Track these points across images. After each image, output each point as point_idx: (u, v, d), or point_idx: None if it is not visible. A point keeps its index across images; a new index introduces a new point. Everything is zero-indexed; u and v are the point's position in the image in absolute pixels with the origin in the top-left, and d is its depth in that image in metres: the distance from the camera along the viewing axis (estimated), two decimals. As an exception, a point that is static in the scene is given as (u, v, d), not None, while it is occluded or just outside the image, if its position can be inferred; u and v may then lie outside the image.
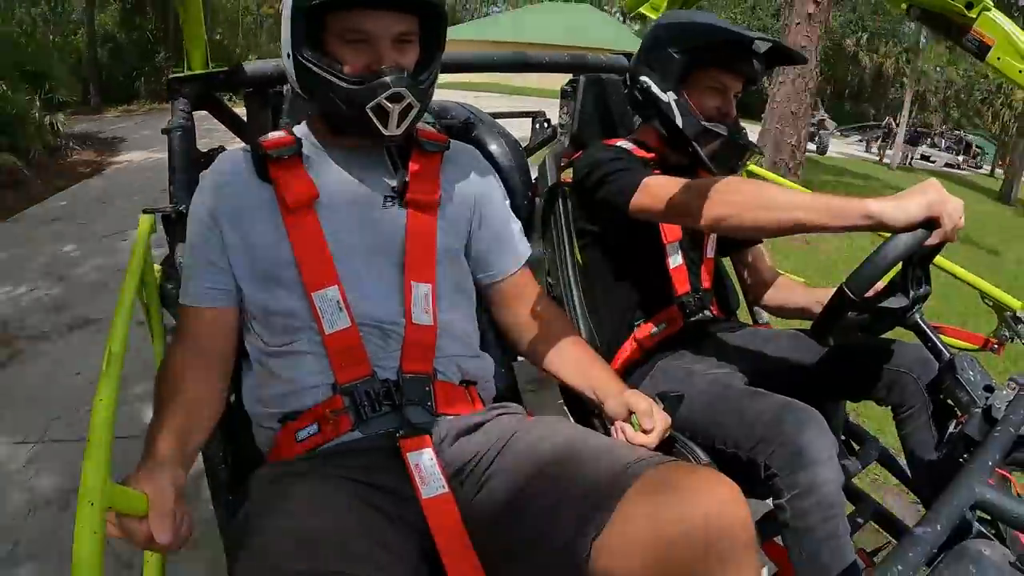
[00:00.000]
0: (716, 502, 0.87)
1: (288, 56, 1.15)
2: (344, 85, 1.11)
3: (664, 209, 1.41)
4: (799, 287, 1.86)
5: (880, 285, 1.26)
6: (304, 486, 1.02)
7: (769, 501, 1.33)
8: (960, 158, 27.68)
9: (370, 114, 1.12)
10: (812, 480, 1.20)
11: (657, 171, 1.60)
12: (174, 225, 1.39)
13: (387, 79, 1.11)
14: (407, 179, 1.25)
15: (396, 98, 1.12)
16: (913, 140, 24.77)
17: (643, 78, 1.60)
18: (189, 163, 1.47)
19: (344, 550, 0.89)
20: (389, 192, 1.24)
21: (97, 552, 0.66)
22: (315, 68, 1.12)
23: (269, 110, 1.56)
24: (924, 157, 25.98)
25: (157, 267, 1.43)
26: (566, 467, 1.00)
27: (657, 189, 1.42)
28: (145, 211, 1.39)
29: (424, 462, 1.07)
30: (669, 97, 1.56)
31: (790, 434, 1.24)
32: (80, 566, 0.65)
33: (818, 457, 1.21)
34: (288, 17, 1.12)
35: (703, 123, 1.55)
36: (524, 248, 1.43)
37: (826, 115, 23.18)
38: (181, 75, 1.53)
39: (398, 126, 1.15)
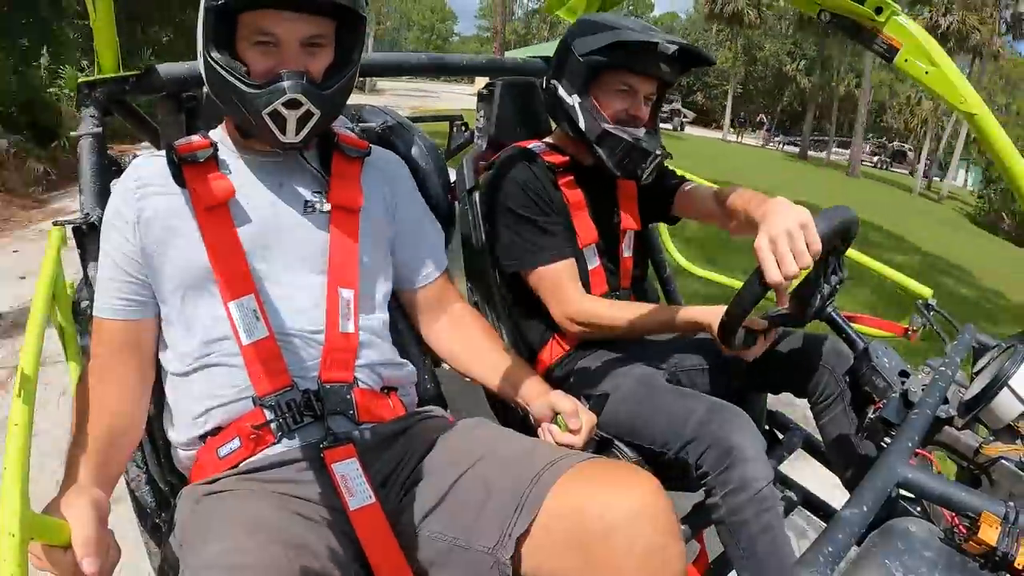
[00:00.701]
0: (638, 495, 0.89)
1: (199, 56, 1.11)
2: (244, 88, 1.07)
3: (543, 302, 1.56)
4: (729, 193, 1.55)
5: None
6: (234, 505, 0.99)
7: (699, 493, 1.37)
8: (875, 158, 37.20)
9: (267, 119, 1.08)
10: (743, 477, 1.24)
11: (569, 177, 1.63)
12: (85, 237, 1.32)
13: (284, 84, 1.06)
14: (329, 184, 1.23)
15: (293, 104, 1.07)
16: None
17: (553, 81, 1.61)
18: (100, 171, 1.39)
19: (283, 571, 0.86)
20: (310, 197, 1.22)
21: None
22: (221, 70, 1.08)
23: (183, 115, 1.50)
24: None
25: (69, 282, 1.36)
26: (489, 469, 1.01)
27: (541, 285, 1.58)
28: (55, 223, 1.31)
29: (350, 472, 1.06)
30: (574, 100, 1.57)
31: (719, 434, 1.27)
32: None
33: (748, 455, 1.25)
34: (201, 16, 1.08)
35: (605, 126, 1.55)
36: (444, 255, 1.43)
37: (680, 106, 36.62)
38: (90, 79, 1.45)
39: (296, 133, 1.11)
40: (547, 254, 1.54)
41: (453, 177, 1.86)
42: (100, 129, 1.42)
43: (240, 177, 1.18)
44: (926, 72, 1.08)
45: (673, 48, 1.47)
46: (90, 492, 0.87)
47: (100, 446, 1.00)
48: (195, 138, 1.18)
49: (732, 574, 1.41)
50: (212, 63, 1.08)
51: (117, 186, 1.19)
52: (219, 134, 1.24)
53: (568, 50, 1.58)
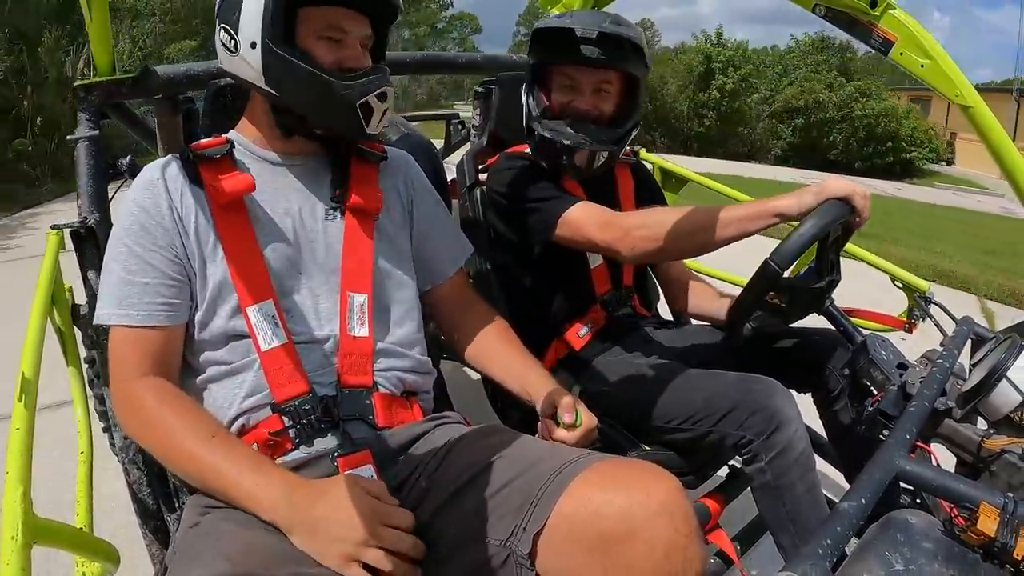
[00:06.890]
0: (658, 496, 0.87)
1: (253, 46, 1.08)
2: (334, 80, 1.10)
3: (585, 243, 1.46)
4: (711, 292, 1.81)
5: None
6: (229, 528, 0.95)
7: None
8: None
9: (359, 111, 1.12)
10: (789, 439, 1.28)
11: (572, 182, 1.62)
12: (84, 241, 1.32)
13: (373, 77, 1.12)
14: (349, 187, 1.22)
15: (384, 96, 1.13)
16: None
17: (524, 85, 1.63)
18: (97, 174, 1.39)
19: None
20: (329, 203, 1.21)
21: None
22: (296, 61, 1.08)
23: (179, 117, 1.49)
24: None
25: (68, 285, 1.36)
26: (505, 469, 0.99)
27: (576, 224, 1.47)
28: (53, 227, 1.31)
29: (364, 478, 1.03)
30: (525, 100, 1.59)
31: (761, 400, 1.30)
32: None
33: (790, 417, 1.29)
34: (260, 4, 1.07)
35: (531, 123, 1.57)
36: (461, 250, 1.42)
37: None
38: (86, 82, 1.45)
39: (377, 125, 1.16)
40: (566, 202, 1.50)
41: (451, 176, 1.86)
42: (97, 132, 1.42)
43: (258, 180, 1.15)
44: (922, 65, 1.08)
45: (590, 33, 1.44)
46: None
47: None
48: (210, 138, 1.18)
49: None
50: (281, 54, 1.08)
51: (140, 185, 1.13)
52: (236, 135, 1.22)
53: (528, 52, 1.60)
